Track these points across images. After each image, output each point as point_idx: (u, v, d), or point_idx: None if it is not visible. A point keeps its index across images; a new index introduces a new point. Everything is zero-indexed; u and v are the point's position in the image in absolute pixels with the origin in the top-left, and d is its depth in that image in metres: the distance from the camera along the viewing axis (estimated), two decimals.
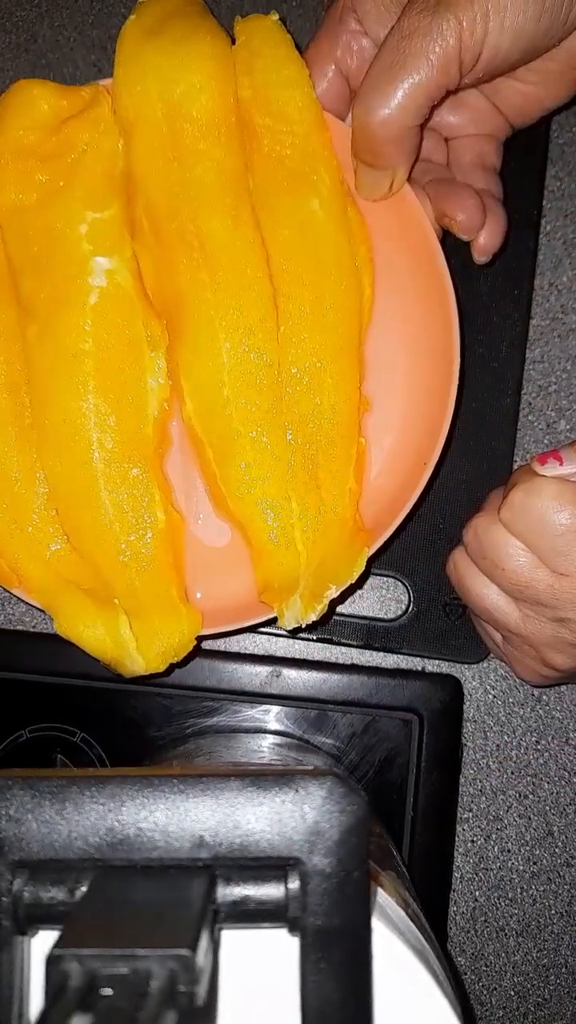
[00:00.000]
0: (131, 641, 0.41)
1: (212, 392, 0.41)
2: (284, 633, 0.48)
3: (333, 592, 0.42)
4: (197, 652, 0.43)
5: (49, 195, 0.41)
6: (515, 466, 0.50)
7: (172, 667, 0.42)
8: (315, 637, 0.49)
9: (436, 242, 0.42)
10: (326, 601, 0.42)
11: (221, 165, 0.41)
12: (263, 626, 0.45)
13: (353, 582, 0.42)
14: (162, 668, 0.42)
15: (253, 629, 0.45)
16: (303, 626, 0.42)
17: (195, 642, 0.42)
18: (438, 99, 0.38)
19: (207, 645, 0.49)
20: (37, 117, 0.41)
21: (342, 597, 0.42)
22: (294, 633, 0.46)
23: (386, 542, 0.43)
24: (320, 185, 0.42)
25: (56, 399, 0.41)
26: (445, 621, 0.49)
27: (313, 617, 0.41)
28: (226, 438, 0.41)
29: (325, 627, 0.49)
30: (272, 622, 0.43)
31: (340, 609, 0.50)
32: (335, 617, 0.49)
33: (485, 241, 0.43)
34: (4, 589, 0.50)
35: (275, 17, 0.42)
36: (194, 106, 0.41)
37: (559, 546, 0.37)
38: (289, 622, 0.42)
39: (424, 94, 0.37)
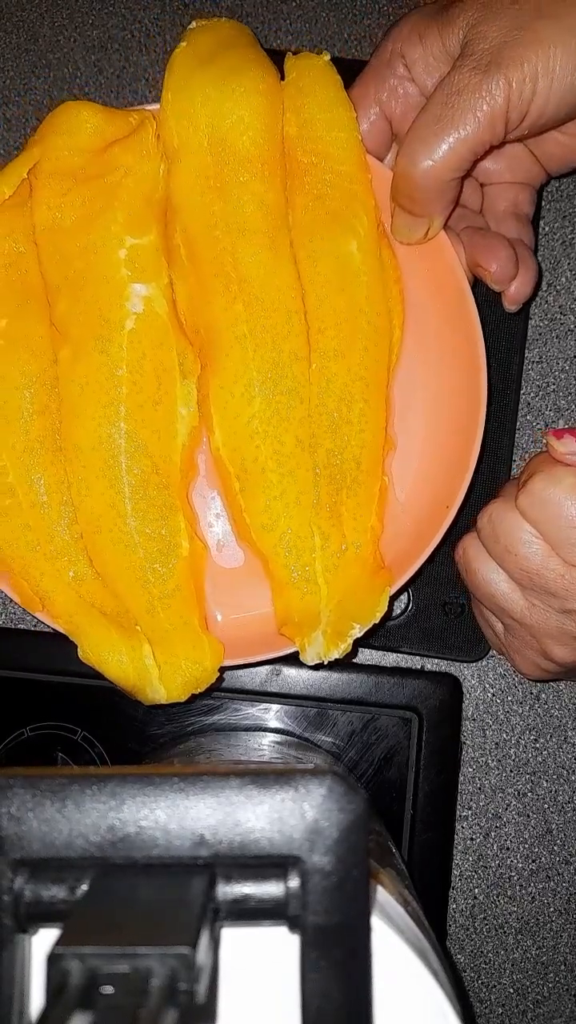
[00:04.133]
0: (154, 670, 0.41)
1: (241, 424, 0.41)
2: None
3: (357, 632, 0.42)
4: (219, 683, 0.43)
5: (89, 216, 0.41)
6: (514, 466, 0.50)
7: (193, 697, 0.42)
8: None
9: (468, 289, 0.43)
10: (350, 640, 0.42)
11: (263, 199, 0.41)
12: (285, 659, 0.45)
13: (376, 622, 0.42)
14: (184, 698, 0.42)
15: (275, 661, 0.45)
16: (325, 663, 0.42)
17: (218, 674, 0.42)
18: (481, 154, 0.39)
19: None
20: (81, 139, 0.41)
21: (366, 636, 0.42)
22: (316, 668, 0.46)
23: (407, 581, 0.43)
24: (358, 226, 0.42)
25: (87, 423, 0.41)
26: (444, 620, 0.49)
27: (336, 655, 0.42)
28: (253, 471, 0.41)
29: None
30: (294, 655, 0.43)
31: None
32: None
33: (516, 291, 0.44)
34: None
35: (326, 57, 0.42)
36: (241, 139, 0.41)
37: (574, 538, 0.37)
38: (311, 658, 0.42)
39: (468, 149, 0.38)
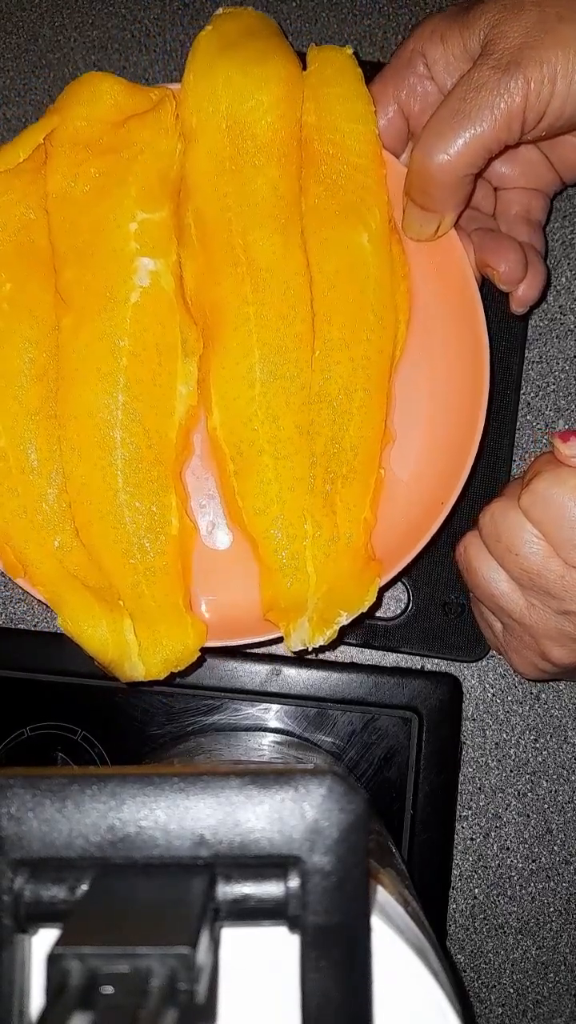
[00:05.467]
0: (134, 646, 0.41)
1: (241, 406, 0.41)
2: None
3: (344, 619, 0.42)
4: (200, 663, 0.43)
5: (102, 188, 0.41)
6: (514, 466, 0.50)
7: (173, 675, 0.42)
8: None
9: (475, 287, 0.43)
10: (336, 627, 0.42)
11: (277, 185, 0.41)
12: (269, 644, 0.45)
13: (364, 611, 0.42)
14: (162, 676, 0.42)
15: (258, 645, 0.45)
16: (309, 649, 0.42)
17: (199, 653, 0.42)
18: (496, 152, 0.39)
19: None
20: (100, 110, 0.41)
21: (352, 624, 0.42)
22: (300, 655, 0.46)
23: (398, 573, 0.43)
24: (370, 219, 0.42)
25: (84, 392, 0.41)
26: (444, 620, 0.49)
27: (321, 641, 0.42)
28: (249, 454, 0.41)
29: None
30: (278, 641, 0.43)
31: None
32: None
33: (523, 293, 0.44)
34: (8, 584, 0.50)
35: (349, 51, 0.43)
36: (259, 124, 0.41)
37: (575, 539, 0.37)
38: (295, 644, 0.42)
39: (483, 145, 0.38)
